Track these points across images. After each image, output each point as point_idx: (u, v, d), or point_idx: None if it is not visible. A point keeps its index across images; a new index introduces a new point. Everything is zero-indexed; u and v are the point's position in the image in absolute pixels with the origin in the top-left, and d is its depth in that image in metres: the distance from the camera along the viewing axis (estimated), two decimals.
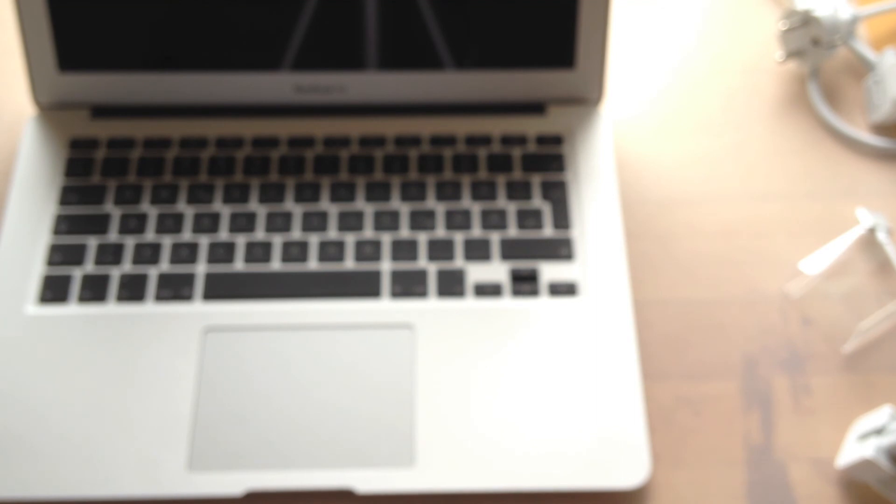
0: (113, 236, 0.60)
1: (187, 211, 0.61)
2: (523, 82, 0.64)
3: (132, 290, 0.58)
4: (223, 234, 0.60)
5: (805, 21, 0.67)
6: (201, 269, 0.59)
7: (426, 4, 0.61)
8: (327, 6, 0.61)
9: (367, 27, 0.61)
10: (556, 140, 0.63)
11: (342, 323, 0.57)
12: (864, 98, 0.69)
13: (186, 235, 0.60)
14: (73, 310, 0.57)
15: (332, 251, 0.59)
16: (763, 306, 0.60)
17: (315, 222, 0.60)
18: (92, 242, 0.59)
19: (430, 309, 0.57)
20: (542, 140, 0.64)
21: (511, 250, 0.60)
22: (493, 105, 0.64)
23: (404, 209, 0.61)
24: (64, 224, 0.60)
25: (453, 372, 0.55)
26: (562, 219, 0.61)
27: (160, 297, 0.57)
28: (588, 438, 0.53)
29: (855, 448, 0.53)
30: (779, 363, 0.58)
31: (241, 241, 0.60)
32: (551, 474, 0.52)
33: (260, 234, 0.60)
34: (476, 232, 0.60)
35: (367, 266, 0.59)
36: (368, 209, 0.61)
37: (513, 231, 0.60)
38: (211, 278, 0.58)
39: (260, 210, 0.61)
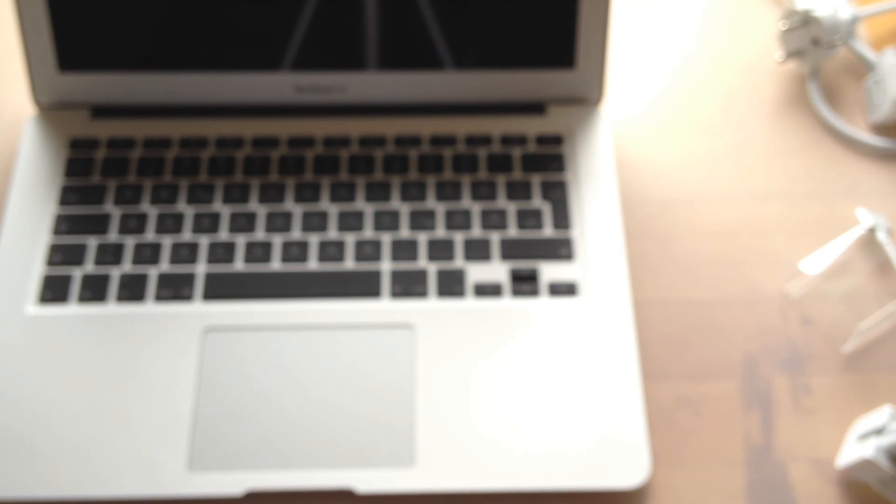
0: (113, 236, 0.60)
1: (187, 211, 0.61)
2: (523, 82, 0.64)
3: (132, 290, 0.58)
4: (223, 234, 0.60)
5: (805, 21, 0.67)
6: (201, 269, 0.59)
7: (426, 4, 0.61)
8: (327, 6, 0.61)
9: (367, 27, 0.61)
10: (556, 140, 0.63)
11: (342, 323, 0.57)
12: (864, 98, 0.69)
13: (186, 235, 0.60)
14: (73, 310, 0.57)
15: (332, 251, 0.59)
16: (763, 306, 0.60)
17: (315, 222, 0.60)
18: (92, 242, 0.59)
19: (430, 309, 0.57)
20: (542, 140, 0.63)
21: (511, 250, 0.60)
22: (493, 105, 0.64)
23: (404, 209, 0.61)
24: (64, 224, 0.60)
25: (453, 372, 0.55)
26: (562, 219, 0.61)
27: (160, 297, 0.57)
28: (588, 438, 0.53)
29: (855, 448, 0.53)
30: (779, 363, 0.58)
31: (241, 241, 0.60)
32: (551, 474, 0.52)
33: (260, 234, 0.60)
34: (476, 232, 0.60)
35: (367, 266, 0.59)
36: (368, 209, 0.61)
37: (513, 231, 0.60)
38: (211, 278, 0.58)
39: (260, 210, 0.61)
